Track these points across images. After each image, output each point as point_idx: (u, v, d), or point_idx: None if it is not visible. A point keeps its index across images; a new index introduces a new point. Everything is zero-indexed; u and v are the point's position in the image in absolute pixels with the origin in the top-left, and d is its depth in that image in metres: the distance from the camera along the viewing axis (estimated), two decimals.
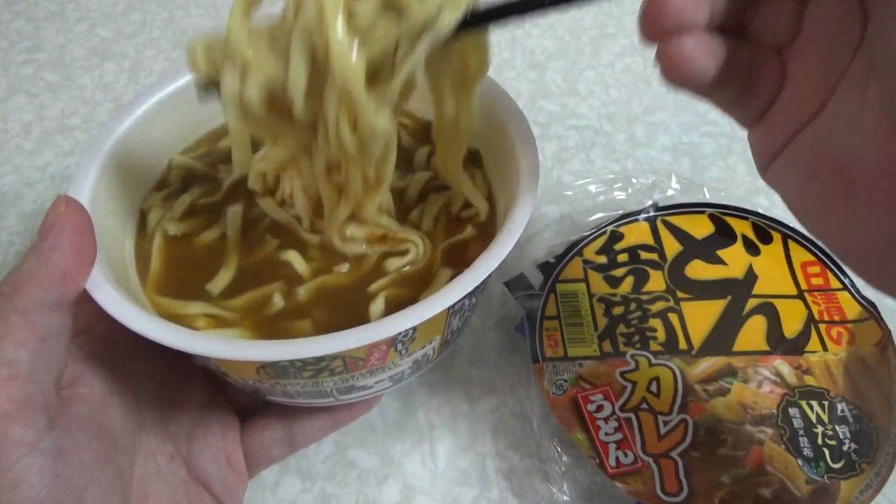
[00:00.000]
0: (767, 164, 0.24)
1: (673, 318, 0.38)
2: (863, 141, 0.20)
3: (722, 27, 0.23)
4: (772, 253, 0.40)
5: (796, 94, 0.22)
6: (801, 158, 0.23)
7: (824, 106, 0.22)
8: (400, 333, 0.24)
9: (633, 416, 0.34)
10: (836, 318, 0.37)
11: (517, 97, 0.53)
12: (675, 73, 0.22)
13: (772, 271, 0.39)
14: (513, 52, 0.57)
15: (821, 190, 0.22)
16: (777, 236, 0.41)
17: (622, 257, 0.40)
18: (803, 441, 0.33)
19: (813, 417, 0.34)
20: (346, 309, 0.29)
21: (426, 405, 0.38)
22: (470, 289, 0.25)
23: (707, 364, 0.36)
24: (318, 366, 0.25)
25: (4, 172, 0.48)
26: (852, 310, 0.38)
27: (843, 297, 0.38)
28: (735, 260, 0.40)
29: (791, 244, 0.41)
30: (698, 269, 0.40)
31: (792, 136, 0.23)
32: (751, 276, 0.39)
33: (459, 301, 0.25)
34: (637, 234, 0.41)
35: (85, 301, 0.24)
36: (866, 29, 0.20)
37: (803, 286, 0.39)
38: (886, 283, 0.22)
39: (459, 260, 0.30)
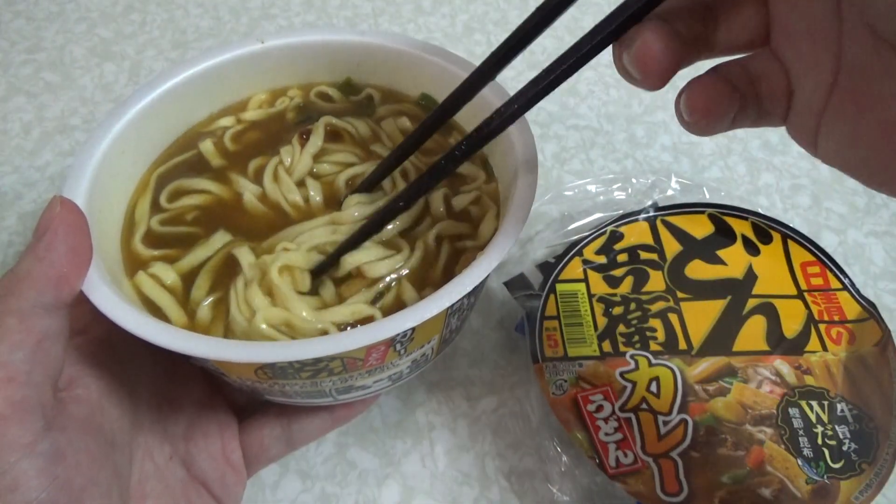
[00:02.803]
0: (814, 141, 0.23)
1: (673, 318, 0.38)
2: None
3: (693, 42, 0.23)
4: (772, 253, 0.40)
5: (806, 77, 0.22)
6: (843, 115, 0.22)
7: (839, 70, 0.21)
8: (398, 334, 0.24)
9: (632, 416, 0.34)
10: (836, 318, 0.37)
11: None
12: (702, 126, 0.23)
13: (772, 271, 0.39)
14: None
15: (876, 128, 0.21)
16: (777, 236, 0.41)
17: (622, 257, 0.40)
18: (803, 441, 0.33)
19: (813, 417, 0.34)
20: None
21: (426, 405, 0.38)
22: (468, 289, 0.25)
23: (707, 364, 0.36)
24: (317, 366, 0.25)
25: (4, 172, 0.48)
26: (852, 310, 0.38)
27: (843, 297, 0.38)
28: (735, 260, 0.40)
29: (791, 244, 0.41)
30: (698, 269, 0.40)
31: (825, 105, 0.22)
32: (751, 276, 0.39)
33: (458, 301, 0.25)
34: (637, 234, 0.41)
35: (82, 302, 0.24)
36: None
37: (803, 286, 0.39)
38: None
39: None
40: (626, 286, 0.39)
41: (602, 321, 0.37)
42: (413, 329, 0.25)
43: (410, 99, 0.37)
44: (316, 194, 0.33)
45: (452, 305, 0.25)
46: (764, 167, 0.50)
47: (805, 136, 0.24)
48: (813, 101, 0.23)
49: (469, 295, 0.26)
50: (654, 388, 0.35)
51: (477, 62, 0.35)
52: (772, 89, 0.23)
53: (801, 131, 0.24)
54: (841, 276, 0.39)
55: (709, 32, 0.23)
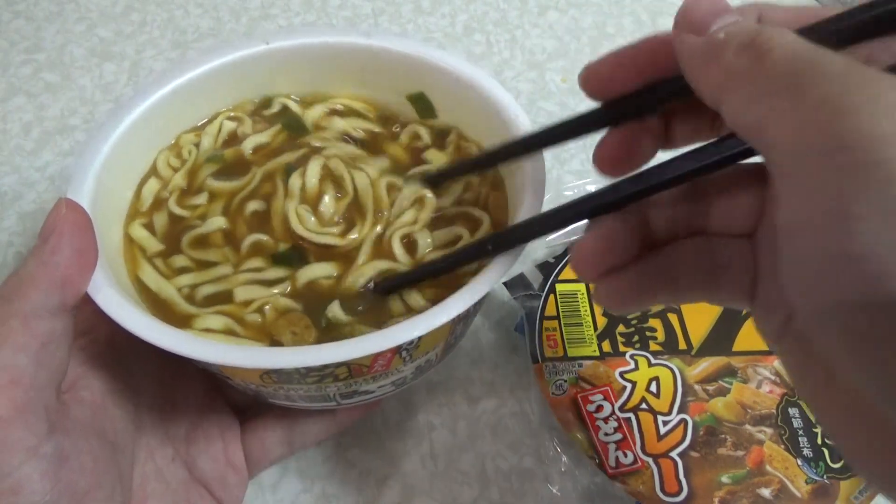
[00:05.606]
0: (772, 342, 0.23)
1: (672, 318, 0.38)
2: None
3: (672, 235, 0.23)
4: None
5: (772, 283, 0.22)
6: (794, 346, 0.21)
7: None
8: (405, 342, 0.24)
9: (632, 416, 0.34)
10: None
11: (517, 97, 0.54)
12: (613, 309, 0.23)
13: None
14: (512, 52, 0.57)
15: (808, 384, 0.21)
16: None
17: None
18: (803, 441, 0.33)
19: (812, 417, 0.34)
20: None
21: (426, 405, 0.38)
22: (477, 298, 0.25)
23: (707, 364, 0.36)
24: (323, 372, 0.25)
25: (4, 172, 0.48)
26: None
27: None
28: None
29: None
30: None
31: (784, 323, 0.21)
32: None
33: (465, 309, 0.25)
34: None
35: (85, 303, 0.24)
36: None
37: None
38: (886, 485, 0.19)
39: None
40: None
41: (602, 321, 0.37)
42: (420, 337, 0.25)
43: (393, 100, 0.37)
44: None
45: (460, 314, 0.25)
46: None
47: (763, 336, 0.23)
48: (774, 307, 0.22)
49: (478, 302, 0.26)
50: (653, 388, 0.35)
51: (476, 62, 0.35)
52: (734, 277, 0.23)
53: (760, 330, 0.23)
54: None
55: (700, 217, 0.23)
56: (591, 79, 0.23)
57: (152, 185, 0.33)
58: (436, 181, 0.32)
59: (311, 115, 0.36)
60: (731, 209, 0.22)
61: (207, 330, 0.28)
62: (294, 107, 0.36)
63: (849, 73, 0.15)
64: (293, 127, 0.35)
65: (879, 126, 0.14)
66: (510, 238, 0.26)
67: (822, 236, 0.15)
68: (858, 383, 0.16)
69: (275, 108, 0.36)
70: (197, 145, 0.34)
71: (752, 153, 0.20)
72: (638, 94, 0.22)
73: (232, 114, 0.35)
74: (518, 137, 0.28)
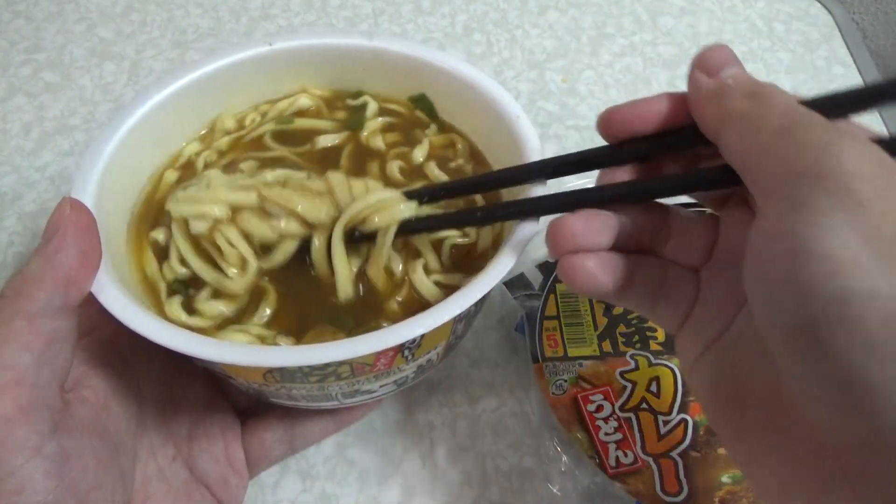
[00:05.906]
0: (688, 368, 0.26)
1: None
2: (757, 367, 0.22)
3: (635, 248, 0.26)
4: None
5: (706, 312, 0.25)
6: (708, 371, 0.25)
7: (729, 326, 0.24)
8: (407, 341, 0.24)
9: (632, 415, 0.34)
10: None
11: (517, 97, 0.54)
12: (572, 286, 0.25)
13: None
14: (512, 52, 0.57)
15: (722, 405, 0.24)
16: None
17: None
18: None
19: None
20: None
21: (426, 405, 0.38)
22: (479, 297, 0.25)
23: None
24: (325, 371, 0.25)
25: (4, 172, 0.48)
26: None
27: None
28: None
29: None
30: None
31: (705, 348, 0.25)
32: None
33: (467, 308, 0.25)
34: None
35: (88, 303, 0.24)
36: None
37: None
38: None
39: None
40: None
41: (602, 321, 0.38)
42: (422, 336, 0.25)
43: (405, 104, 0.37)
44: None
45: (461, 313, 0.25)
46: None
47: (685, 355, 0.26)
48: (702, 334, 0.25)
49: (478, 302, 0.26)
50: (654, 387, 0.35)
51: (476, 62, 0.35)
52: (678, 297, 0.26)
53: (683, 350, 0.26)
54: None
55: (658, 245, 0.26)
56: (604, 124, 0.26)
57: (195, 146, 0.34)
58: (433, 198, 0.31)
59: (371, 125, 0.36)
60: (688, 244, 0.26)
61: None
62: (371, 109, 0.36)
63: (833, 127, 0.20)
64: (353, 126, 0.36)
65: (855, 164, 0.18)
66: (499, 212, 0.29)
67: (797, 238, 0.18)
68: (807, 383, 0.19)
69: (358, 102, 0.37)
70: (264, 115, 0.36)
71: (716, 185, 0.24)
72: (647, 141, 0.25)
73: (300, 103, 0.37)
74: (524, 165, 0.30)
